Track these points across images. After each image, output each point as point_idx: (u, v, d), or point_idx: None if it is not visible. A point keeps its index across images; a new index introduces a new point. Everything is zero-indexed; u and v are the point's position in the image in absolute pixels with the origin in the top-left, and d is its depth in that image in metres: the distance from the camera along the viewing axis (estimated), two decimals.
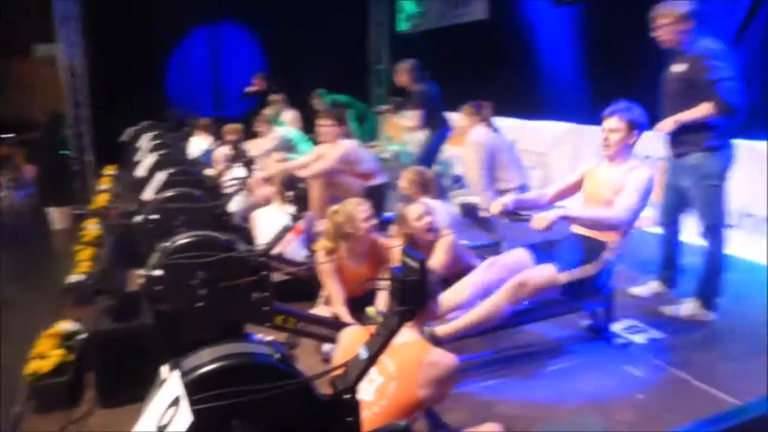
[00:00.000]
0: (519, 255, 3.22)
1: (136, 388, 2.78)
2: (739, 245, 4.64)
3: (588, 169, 3.43)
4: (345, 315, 3.10)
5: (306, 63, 10.00)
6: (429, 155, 5.95)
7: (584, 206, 3.35)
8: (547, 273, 3.07)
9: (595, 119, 5.77)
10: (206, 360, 1.46)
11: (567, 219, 3.12)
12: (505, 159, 4.50)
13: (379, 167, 5.12)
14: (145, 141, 6.69)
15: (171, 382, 1.40)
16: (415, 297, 1.49)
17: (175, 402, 1.34)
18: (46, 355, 2.85)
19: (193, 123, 7.58)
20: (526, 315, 3.18)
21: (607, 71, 4.47)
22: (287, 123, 7.43)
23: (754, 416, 2.39)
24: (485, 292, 3.05)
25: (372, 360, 1.54)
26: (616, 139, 3.20)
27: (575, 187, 3.47)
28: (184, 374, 1.41)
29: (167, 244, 2.62)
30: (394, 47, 11.10)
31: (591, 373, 3.05)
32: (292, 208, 4.08)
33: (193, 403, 1.30)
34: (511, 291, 2.96)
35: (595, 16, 6.33)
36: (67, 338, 3.09)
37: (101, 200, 6.28)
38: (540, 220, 3.01)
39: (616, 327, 3.45)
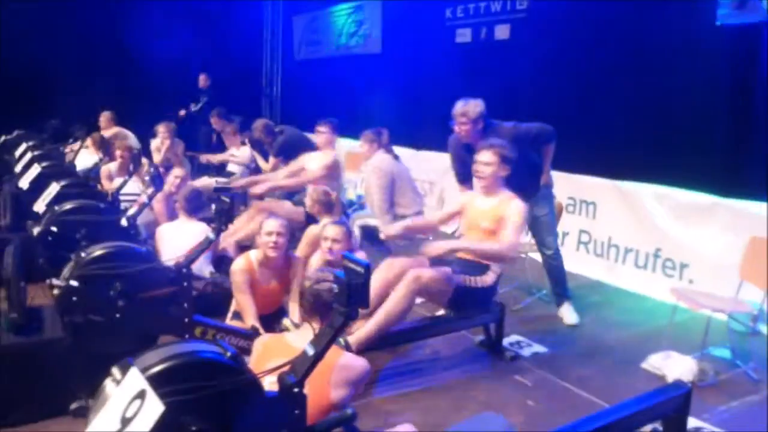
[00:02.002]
0: (418, 259, 3.45)
1: (36, 406, 2.71)
2: (604, 271, 5.25)
3: (467, 199, 3.73)
4: (260, 329, 3.17)
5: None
6: None
7: (470, 239, 3.59)
8: (442, 270, 3.32)
9: None
10: (165, 356, 1.53)
11: (456, 251, 3.43)
12: (404, 185, 4.79)
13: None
14: (23, 152, 6.33)
15: (131, 378, 1.45)
16: (359, 299, 1.65)
17: (141, 395, 1.39)
18: None
19: (81, 136, 7.24)
20: (427, 330, 3.41)
21: (495, 107, 4.96)
22: None
23: (619, 417, 2.79)
24: (386, 289, 3.23)
25: (319, 357, 1.67)
26: (490, 171, 3.50)
27: (456, 215, 3.79)
28: (144, 370, 1.47)
29: (83, 254, 2.59)
30: (288, 74, 11.28)
31: (486, 383, 3.35)
32: (199, 223, 4.10)
33: (162, 395, 1.36)
34: (409, 284, 3.16)
35: (492, 55, 6.86)
36: None
37: None
38: (432, 249, 3.33)
39: (506, 342, 3.78)
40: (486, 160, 3.50)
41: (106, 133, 7.75)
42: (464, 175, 4.27)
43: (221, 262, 4.29)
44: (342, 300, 1.65)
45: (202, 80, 9.31)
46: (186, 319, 2.67)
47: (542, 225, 4.22)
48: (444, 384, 3.29)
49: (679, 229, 4.76)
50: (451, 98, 6.54)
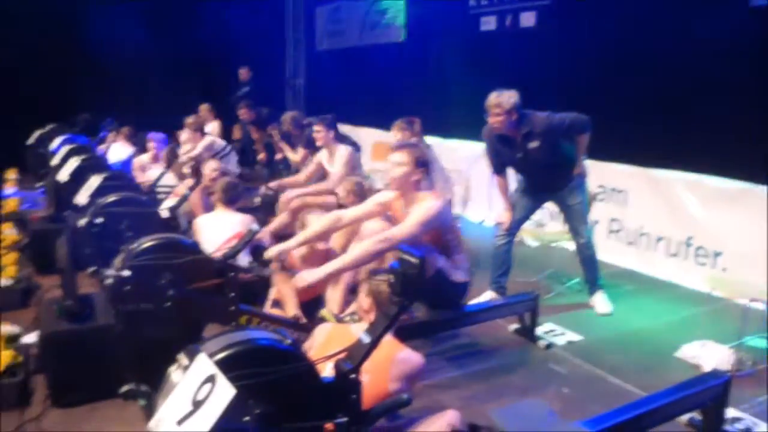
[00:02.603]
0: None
1: (89, 389, 2.82)
2: (635, 260, 5.25)
3: (387, 198, 3.47)
4: (302, 317, 3.25)
5: (227, 74, 9.99)
6: None
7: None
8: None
9: None
10: (230, 343, 1.60)
11: (336, 272, 3.11)
12: (435, 174, 4.82)
13: None
14: (58, 146, 6.48)
15: (200, 364, 1.52)
16: (414, 289, 1.70)
17: (211, 379, 1.46)
18: None
19: (112, 129, 7.39)
20: (464, 319, 3.47)
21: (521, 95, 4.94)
22: (211, 132, 7.47)
23: (657, 405, 2.81)
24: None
25: (374, 344, 1.73)
26: (401, 173, 3.26)
27: (375, 215, 3.53)
28: (210, 356, 1.54)
29: (133, 245, 2.67)
30: (311, 64, 11.33)
31: (521, 371, 3.39)
32: (236, 214, 4.18)
33: (232, 378, 1.43)
34: (379, 242, 3.07)
35: (518, 42, 6.83)
36: (10, 340, 3.01)
37: (12, 204, 5.98)
38: (301, 279, 3.03)
39: (540, 330, 3.81)
40: (397, 160, 3.27)
41: (207, 126, 7.69)
42: (499, 166, 4.29)
43: (257, 252, 4.37)
44: (396, 289, 1.71)
45: (243, 73, 9.41)
46: (232, 308, 2.74)
47: (575, 214, 4.23)
48: (481, 371, 3.34)
49: (711, 216, 4.73)
50: (476, 86, 6.48)
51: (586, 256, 4.30)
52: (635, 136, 5.40)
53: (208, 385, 1.46)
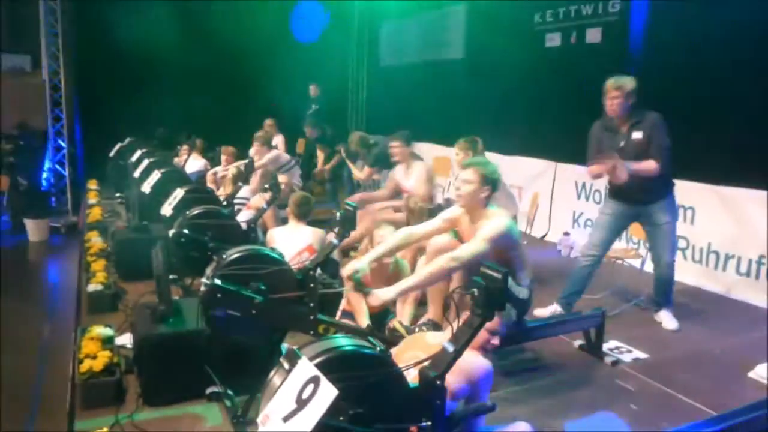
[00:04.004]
0: None
1: (178, 389, 3.03)
2: (703, 278, 5.17)
3: (454, 215, 3.53)
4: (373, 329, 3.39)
5: (288, 91, 10.28)
6: None
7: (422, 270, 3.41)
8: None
9: (571, 157, 6.23)
10: (326, 349, 1.75)
11: (408, 290, 3.26)
12: (498, 191, 4.88)
13: None
14: (139, 158, 6.89)
15: (302, 366, 1.67)
16: (496, 302, 1.81)
17: (314, 380, 1.61)
18: (96, 355, 3.02)
19: (188, 143, 7.78)
20: (531, 332, 3.53)
21: (585, 112, 4.96)
22: (277, 146, 7.75)
23: (730, 424, 2.81)
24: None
25: (458, 353, 1.84)
26: (469, 190, 3.33)
27: (443, 231, 3.56)
28: (311, 359, 1.69)
29: (224, 256, 2.87)
30: (373, 79, 11.55)
31: (588, 386, 3.43)
32: (308, 227, 4.37)
33: (335, 380, 1.57)
34: (448, 261, 3.14)
35: (583, 58, 6.83)
36: (106, 341, 3.25)
37: (96, 214, 6.38)
38: (374, 298, 3.09)
39: (605, 347, 3.83)
40: (466, 177, 3.36)
41: (274, 140, 8.03)
42: (596, 156, 4.20)
43: (326, 264, 4.54)
44: (480, 302, 1.82)
45: (313, 90, 9.69)
46: (312, 317, 2.90)
47: (663, 234, 4.17)
48: (547, 386, 3.39)
49: None
50: (539, 103, 6.47)
51: (667, 277, 4.26)
52: (704, 152, 5.33)
53: (311, 386, 1.61)
